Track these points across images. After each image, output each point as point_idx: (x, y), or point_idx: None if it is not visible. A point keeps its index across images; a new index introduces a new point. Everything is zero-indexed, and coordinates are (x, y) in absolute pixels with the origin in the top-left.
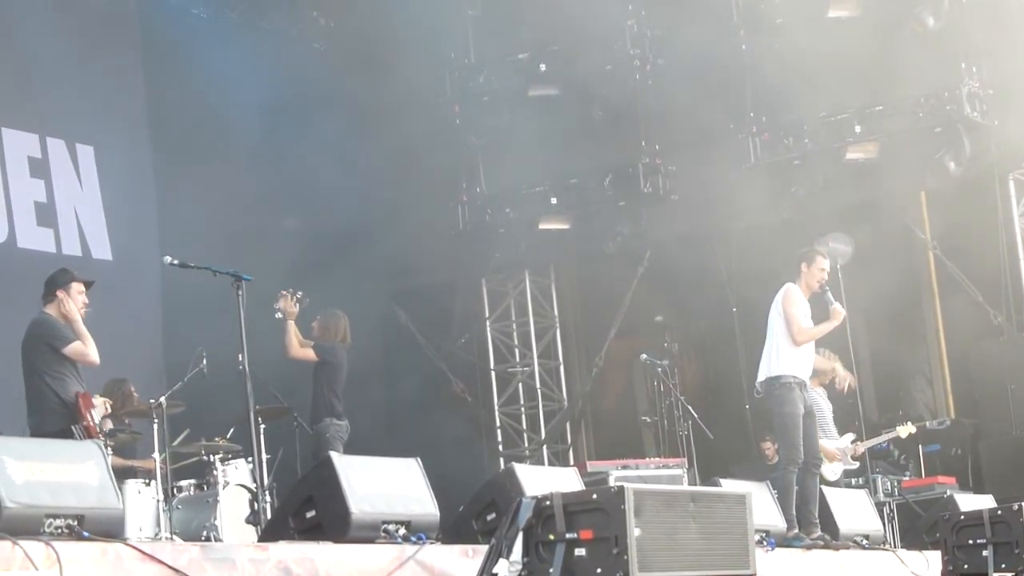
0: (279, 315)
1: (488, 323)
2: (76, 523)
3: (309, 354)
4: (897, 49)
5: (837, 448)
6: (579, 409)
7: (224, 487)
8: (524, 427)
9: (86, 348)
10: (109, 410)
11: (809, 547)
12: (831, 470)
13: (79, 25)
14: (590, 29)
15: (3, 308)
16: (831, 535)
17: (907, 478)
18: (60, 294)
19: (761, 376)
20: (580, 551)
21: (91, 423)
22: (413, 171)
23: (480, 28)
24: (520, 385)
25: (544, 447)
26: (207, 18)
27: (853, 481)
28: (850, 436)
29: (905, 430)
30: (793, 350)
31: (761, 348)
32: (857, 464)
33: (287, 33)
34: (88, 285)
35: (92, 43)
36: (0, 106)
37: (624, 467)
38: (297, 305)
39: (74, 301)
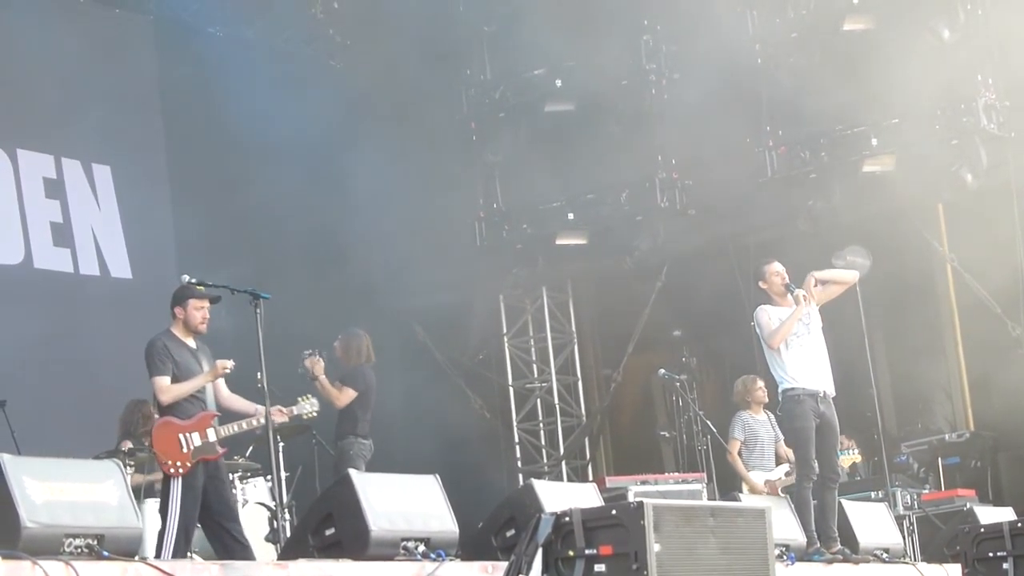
0: (310, 376)
1: (506, 339)
2: (96, 542)
3: (350, 394)
4: (913, 61)
5: (766, 481)
6: (597, 424)
7: (243, 505)
8: (543, 443)
9: (170, 389)
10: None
11: (829, 561)
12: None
13: (94, 45)
14: (606, 44)
15: (22, 328)
16: (851, 549)
17: (927, 491)
18: (177, 311)
19: (779, 391)
20: (600, 567)
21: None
22: (430, 188)
23: (496, 45)
24: (538, 401)
25: (563, 463)
26: (223, 36)
27: (872, 495)
28: (785, 468)
29: (849, 459)
30: (788, 365)
31: None
32: (784, 497)
33: (303, 51)
34: (213, 300)
35: (107, 62)
36: (15, 127)
37: (643, 482)
38: (322, 361)
39: (191, 318)
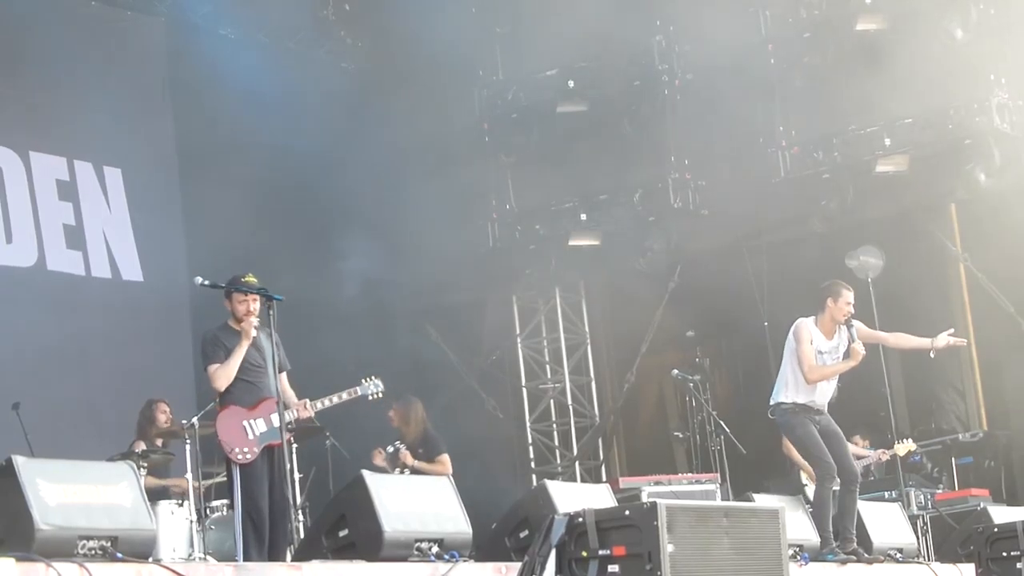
0: (400, 469)
1: (519, 340)
2: (109, 544)
3: (447, 459)
4: (926, 61)
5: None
6: (611, 425)
7: None
8: (556, 444)
9: (218, 371)
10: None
11: (843, 561)
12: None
13: (106, 47)
14: (618, 45)
15: (36, 330)
16: (865, 549)
17: (940, 491)
18: (227, 304)
19: (770, 401)
20: (613, 568)
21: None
22: (443, 189)
23: (508, 45)
24: (552, 402)
25: (576, 463)
26: (235, 38)
27: (886, 495)
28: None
29: (903, 448)
30: (798, 384)
31: None
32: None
33: (316, 54)
34: (261, 294)
35: (119, 65)
36: (28, 130)
37: (657, 483)
38: (405, 450)
39: (235, 311)
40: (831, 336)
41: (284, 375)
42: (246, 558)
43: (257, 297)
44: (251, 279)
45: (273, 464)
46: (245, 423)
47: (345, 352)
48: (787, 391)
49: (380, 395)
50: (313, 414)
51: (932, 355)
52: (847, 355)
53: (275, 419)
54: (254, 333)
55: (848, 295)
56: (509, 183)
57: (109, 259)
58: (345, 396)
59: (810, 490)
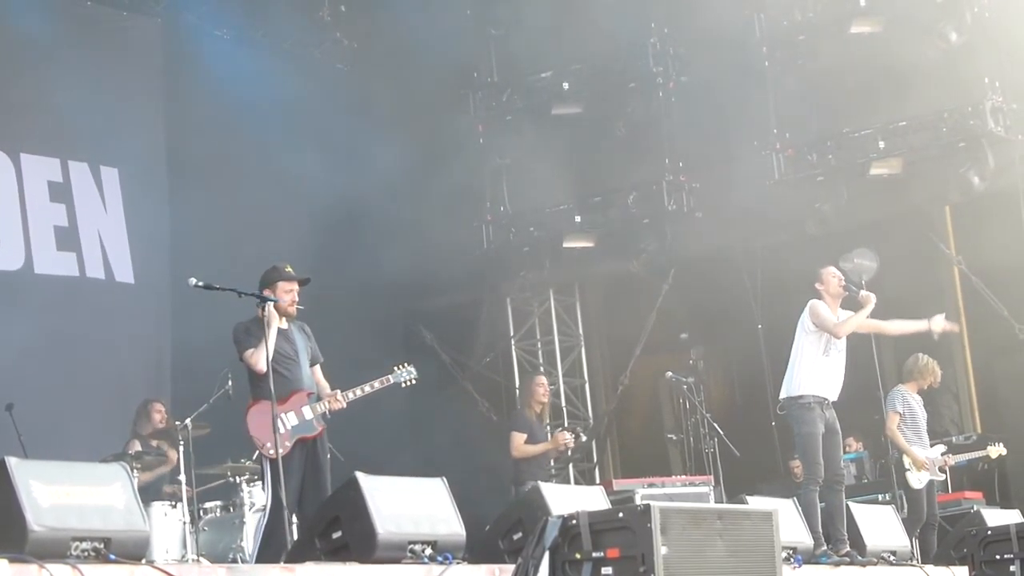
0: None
1: (513, 342)
2: (103, 546)
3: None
4: (920, 64)
5: (927, 458)
6: (605, 427)
7: (251, 508)
8: None
9: (254, 354)
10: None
11: (837, 564)
12: (917, 478)
13: (102, 48)
14: (613, 47)
15: (26, 332)
16: (858, 552)
17: None
18: (266, 294)
19: (782, 395)
20: (607, 570)
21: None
22: (437, 190)
23: (503, 47)
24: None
25: (570, 465)
26: (230, 39)
27: (879, 497)
28: (940, 448)
29: (995, 451)
30: (815, 369)
31: (786, 364)
32: (943, 476)
33: (311, 54)
34: (303, 282)
35: (115, 65)
36: (20, 131)
37: (650, 485)
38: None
39: (281, 300)
40: (835, 314)
41: (318, 367)
42: (264, 550)
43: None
44: (290, 268)
45: (306, 458)
46: (278, 417)
47: (338, 354)
48: (801, 382)
49: (413, 381)
50: (345, 404)
51: (936, 338)
52: (862, 304)
53: (307, 412)
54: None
55: (831, 270)
56: (504, 185)
57: (103, 260)
58: (377, 385)
59: (911, 475)
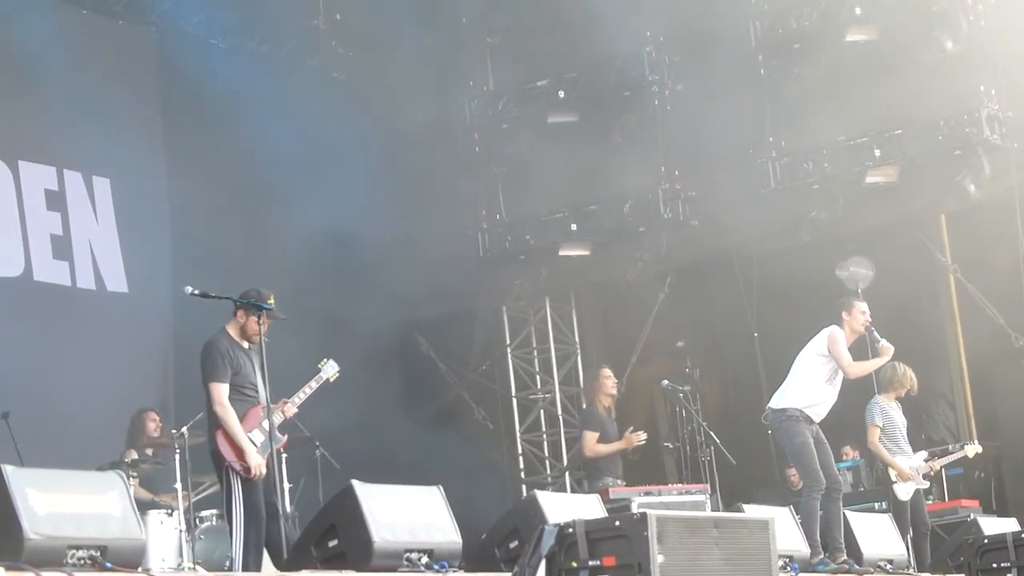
0: None
1: (509, 350)
2: (99, 554)
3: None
4: (916, 72)
5: (911, 467)
6: None
7: None
8: (546, 454)
9: (220, 391)
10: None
11: (834, 572)
12: (904, 489)
13: (97, 56)
14: (608, 56)
15: (23, 339)
16: (855, 560)
17: (930, 502)
18: (240, 315)
19: (772, 404)
20: None
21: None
22: (433, 199)
23: (499, 56)
24: (542, 412)
25: (566, 474)
26: (226, 48)
27: (876, 506)
28: (923, 454)
29: (972, 449)
30: (816, 393)
31: (783, 373)
32: (928, 484)
33: (306, 63)
34: (275, 319)
35: (111, 74)
36: (17, 139)
37: (647, 493)
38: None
39: (250, 327)
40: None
41: None
42: (247, 566)
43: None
44: (273, 300)
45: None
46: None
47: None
48: (796, 397)
49: (337, 375)
50: (296, 410)
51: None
52: (877, 353)
53: (266, 425)
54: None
55: (861, 305)
56: (499, 193)
57: (94, 270)
58: (314, 384)
59: (899, 487)
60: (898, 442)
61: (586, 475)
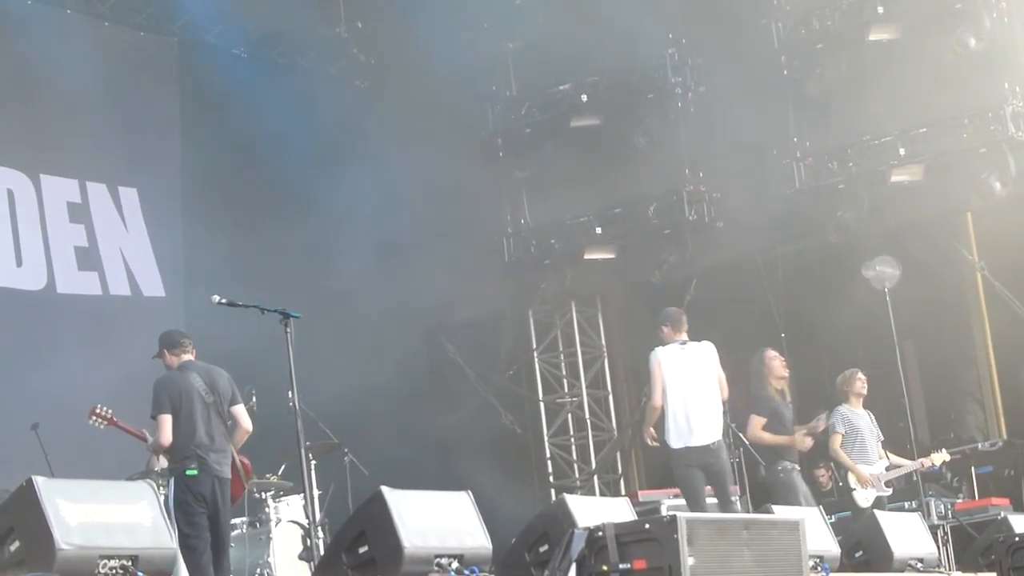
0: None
1: (536, 354)
2: (130, 563)
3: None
4: (939, 71)
5: (871, 474)
6: (629, 438)
7: (277, 524)
8: (574, 458)
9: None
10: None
11: None
12: (864, 496)
13: (119, 69)
14: (630, 59)
15: (49, 351)
16: (885, 560)
17: (960, 500)
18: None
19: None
20: None
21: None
22: (457, 205)
23: (520, 61)
24: (569, 416)
25: (595, 477)
26: (247, 58)
27: (906, 505)
28: (884, 463)
29: (939, 457)
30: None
31: (810, 373)
32: (890, 491)
33: (328, 72)
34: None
35: (133, 86)
36: (38, 153)
37: (676, 496)
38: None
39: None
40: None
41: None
42: None
43: None
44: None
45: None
46: None
47: (362, 369)
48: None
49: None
50: None
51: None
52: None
53: None
54: None
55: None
56: (524, 198)
57: (128, 277)
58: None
59: (858, 494)
60: (863, 449)
61: (762, 456)
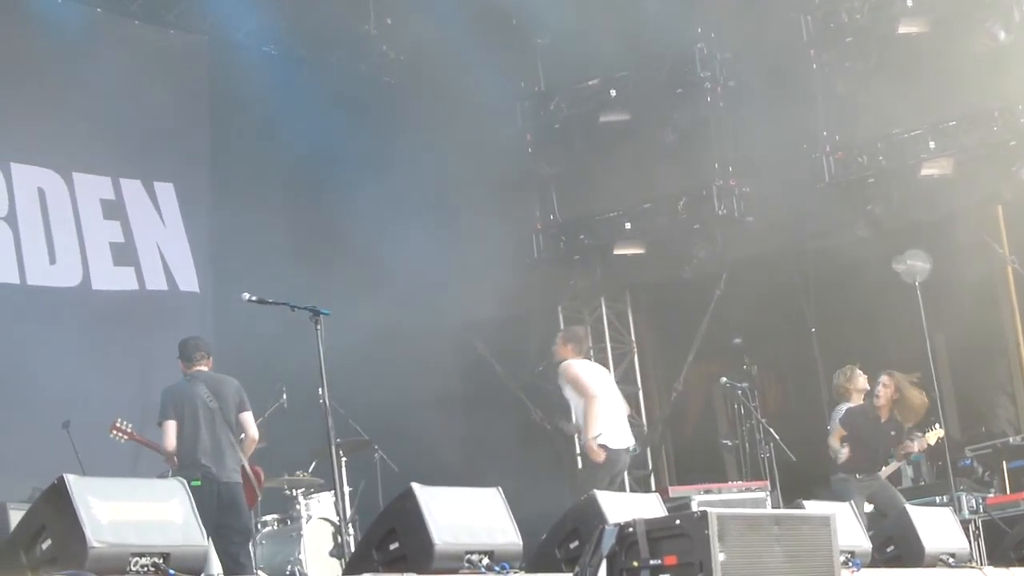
0: None
1: None
2: (162, 561)
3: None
4: (969, 64)
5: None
6: (659, 434)
7: (307, 521)
8: None
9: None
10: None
11: None
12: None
13: (150, 67)
14: (659, 53)
15: (82, 349)
16: (916, 554)
17: (992, 495)
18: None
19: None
20: None
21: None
22: (486, 201)
23: (549, 56)
24: None
25: (625, 473)
26: (277, 55)
27: (937, 500)
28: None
29: (934, 435)
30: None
31: (841, 367)
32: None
33: (357, 68)
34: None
35: (163, 84)
36: (71, 151)
37: (706, 491)
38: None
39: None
40: None
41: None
42: None
43: None
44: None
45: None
46: None
47: (391, 369)
48: None
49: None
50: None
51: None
52: None
53: None
54: None
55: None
56: (553, 193)
57: (165, 272)
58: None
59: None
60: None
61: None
